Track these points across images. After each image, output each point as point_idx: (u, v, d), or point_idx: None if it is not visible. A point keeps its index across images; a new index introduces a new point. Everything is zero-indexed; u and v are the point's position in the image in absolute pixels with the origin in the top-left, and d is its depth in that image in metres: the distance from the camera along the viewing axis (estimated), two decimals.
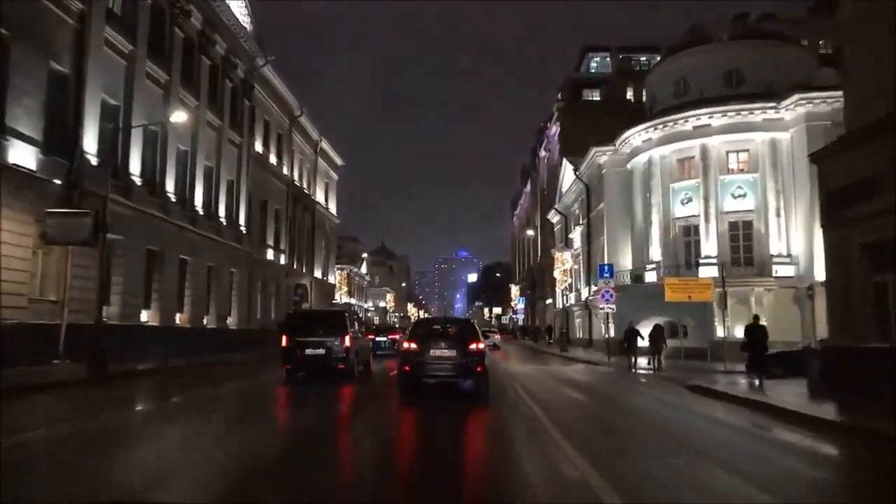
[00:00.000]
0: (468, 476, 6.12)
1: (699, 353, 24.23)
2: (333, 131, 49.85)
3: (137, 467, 6.16)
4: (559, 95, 54.02)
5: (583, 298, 40.55)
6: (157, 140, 23.89)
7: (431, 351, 11.67)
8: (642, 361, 21.35)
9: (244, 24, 31.10)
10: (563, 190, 46.12)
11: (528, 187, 76.46)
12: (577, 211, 43.44)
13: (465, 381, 11.95)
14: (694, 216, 29.01)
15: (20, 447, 6.69)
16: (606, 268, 26.14)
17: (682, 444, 7.60)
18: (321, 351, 15.01)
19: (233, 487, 5.35)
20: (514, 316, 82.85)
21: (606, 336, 30.99)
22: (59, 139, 18.20)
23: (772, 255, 26.90)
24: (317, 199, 47.64)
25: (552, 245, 54.30)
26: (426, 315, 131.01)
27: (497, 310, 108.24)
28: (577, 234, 42.87)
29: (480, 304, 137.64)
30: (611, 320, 28.22)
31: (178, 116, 19.22)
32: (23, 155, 16.43)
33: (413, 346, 11.83)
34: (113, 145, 21.13)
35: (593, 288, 37.33)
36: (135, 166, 21.77)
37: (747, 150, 28.19)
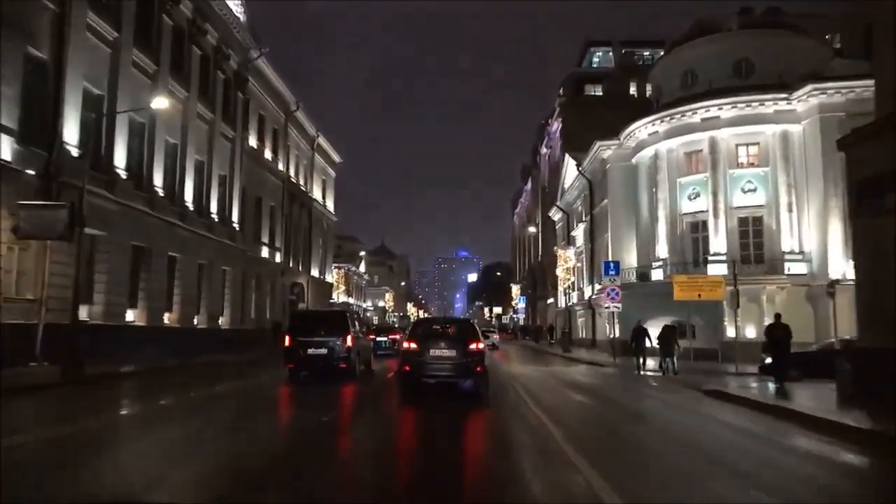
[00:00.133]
0: (469, 492, 5.58)
1: (709, 354, 23.29)
2: (333, 131, 49.48)
3: (81, 487, 5.24)
4: (561, 91, 53.07)
5: (586, 297, 39.58)
6: (145, 132, 22.92)
7: (431, 351, 11.68)
8: (650, 363, 20.38)
9: (237, 15, 30.13)
10: (566, 187, 45.14)
11: (529, 185, 75.52)
12: (579, 208, 42.46)
13: (465, 381, 11.94)
14: (702, 212, 28.03)
15: None
16: (612, 265, 25.16)
17: (714, 463, 6.62)
18: (323, 351, 15.19)
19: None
20: (514, 315, 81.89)
21: (611, 336, 30.02)
22: (37, 129, 17.23)
23: (783, 252, 25.92)
24: (314, 197, 46.68)
25: (553, 243, 53.34)
26: (426, 315, 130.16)
27: (497, 309, 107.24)
28: (579, 232, 41.90)
29: (480, 303, 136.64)
30: (616, 320, 27.23)
31: (160, 103, 18.21)
32: None
33: (413, 346, 11.83)
34: (96, 136, 20.20)
35: (597, 286, 36.37)
36: (120, 159, 20.79)
37: (757, 144, 27.20)
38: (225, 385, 14.88)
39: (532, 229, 59.30)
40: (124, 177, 20.90)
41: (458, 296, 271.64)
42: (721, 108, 26.84)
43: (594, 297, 36.27)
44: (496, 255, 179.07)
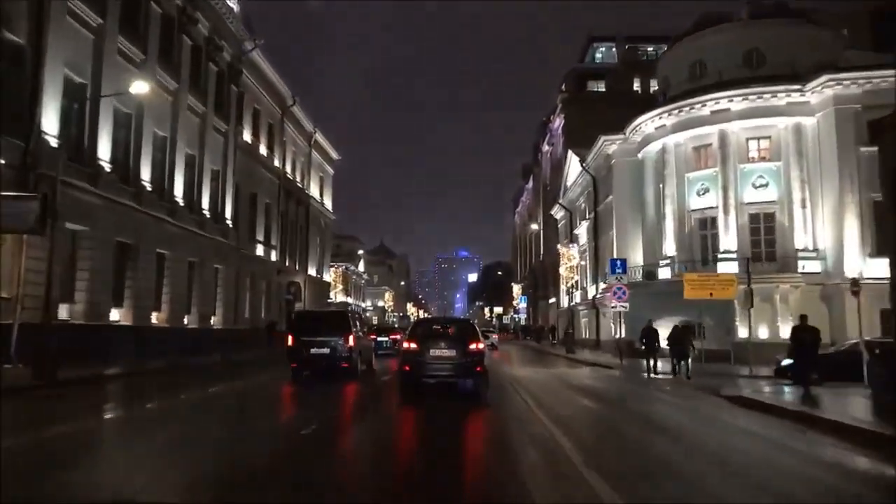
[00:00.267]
0: None
1: (719, 355, 22.29)
2: (333, 130, 48.48)
3: None
4: (563, 86, 52.10)
5: (589, 297, 38.59)
6: (131, 123, 21.96)
7: (431, 351, 11.72)
8: (660, 365, 19.36)
9: (231, 5, 29.14)
10: (568, 184, 44.15)
11: (530, 184, 74.53)
12: (582, 205, 41.47)
13: (465, 381, 11.98)
14: (711, 208, 27.03)
15: None
16: (619, 263, 24.17)
17: (764, 489, 5.60)
18: (326, 350, 15.45)
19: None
20: (515, 315, 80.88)
21: (617, 337, 29.05)
22: (12, 117, 16.26)
23: (797, 250, 24.91)
24: (311, 194, 45.70)
25: (555, 243, 52.36)
26: (426, 315, 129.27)
27: (498, 309, 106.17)
28: (582, 230, 40.90)
29: (481, 303, 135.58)
30: (621, 320, 26.27)
31: (139, 87, 17.19)
32: None
33: (413, 346, 11.89)
34: (78, 126, 19.29)
35: (601, 285, 35.39)
36: (104, 150, 19.82)
37: (769, 137, 26.20)
38: (215, 387, 14.18)
39: (534, 226, 58.31)
40: (108, 169, 19.93)
41: (458, 296, 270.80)
42: (731, 100, 25.83)
43: (598, 296, 35.29)
44: (496, 255, 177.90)
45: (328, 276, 51.90)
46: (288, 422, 9.89)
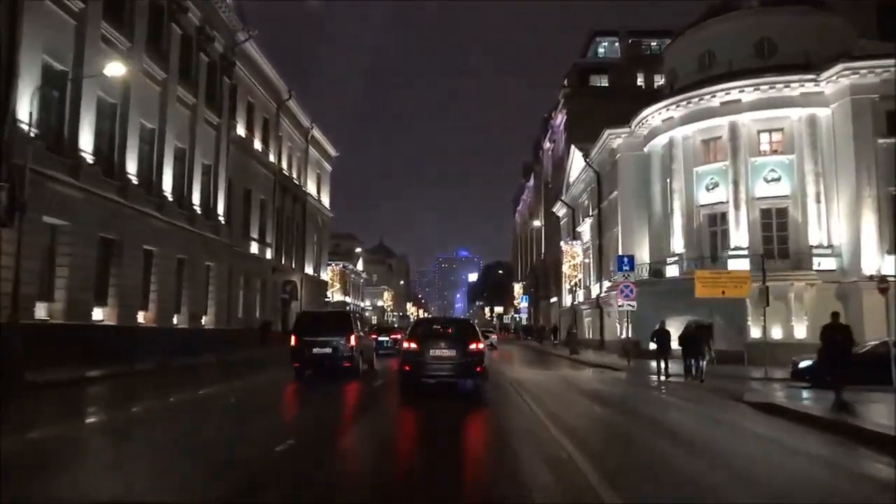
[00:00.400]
0: None
1: (730, 356, 21.32)
2: (333, 130, 47.30)
3: None
4: (565, 81, 51.07)
5: (593, 296, 37.58)
6: (116, 114, 20.98)
7: (431, 351, 11.77)
8: (670, 367, 18.35)
9: None
10: (571, 180, 43.15)
11: (531, 182, 73.53)
12: (586, 202, 40.46)
13: (465, 380, 12.06)
14: (721, 203, 26.01)
15: None
16: (626, 259, 23.20)
17: None
18: (328, 350, 15.70)
19: None
20: (516, 315, 79.85)
21: (622, 337, 28.05)
22: None
23: (811, 246, 23.88)
24: (308, 191, 44.71)
25: (557, 241, 51.37)
26: (426, 315, 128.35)
27: (498, 309, 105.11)
28: (586, 227, 39.90)
29: (481, 303, 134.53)
30: (627, 320, 25.26)
31: (114, 68, 16.17)
32: None
33: (413, 346, 11.95)
34: (58, 116, 18.30)
35: (605, 284, 34.41)
36: (86, 142, 18.82)
37: (781, 129, 25.18)
38: (206, 389, 13.70)
39: (537, 223, 57.25)
40: (91, 161, 18.92)
41: (458, 295, 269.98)
42: (742, 91, 24.80)
43: (603, 295, 34.30)
44: (497, 255, 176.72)
45: (325, 275, 50.89)
46: (285, 422, 9.63)
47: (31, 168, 15.90)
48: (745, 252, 24.47)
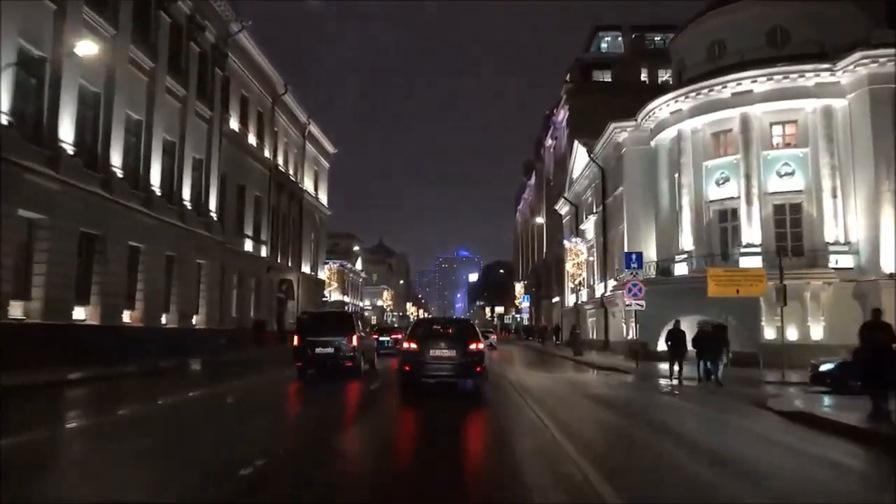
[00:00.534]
0: None
1: (744, 359, 20.33)
2: (333, 131, 46.23)
3: None
4: (567, 77, 50.08)
5: (597, 295, 36.57)
6: (99, 104, 19.99)
7: (431, 351, 11.81)
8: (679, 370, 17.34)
9: None
10: (574, 177, 42.14)
11: (533, 180, 72.52)
12: (589, 199, 39.46)
13: (465, 381, 12.10)
14: (732, 198, 25.00)
15: None
16: (634, 257, 22.18)
17: None
18: (330, 350, 15.93)
19: None
20: (516, 315, 78.80)
21: (629, 337, 27.11)
22: None
23: (827, 243, 22.86)
24: (305, 188, 43.73)
25: (559, 240, 50.38)
26: (426, 315, 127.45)
27: (499, 309, 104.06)
28: (589, 224, 38.89)
29: (482, 303, 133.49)
30: (634, 320, 24.28)
31: (87, 47, 15.16)
32: None
33: (413, 346, 12.00)
34: (36, 105, 17.33)
35: (610, 283, 33.42)
36: (66, 132, 17.83)
37: (795, 121, 24.17)
38: (188, 393, 13.06)
39: (539, 220, 56.17)
40: (71, 152, 17.94)
41: (458, 295, 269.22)
42: (755, 81, 23.77)
43: (608, 294, 33.29)
44: (497, 255, 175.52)
45: (323, 274, 49.89)
46: (284, 423, 9.53)
47: (6, 158, 15.06)
48: (758, 249, 23.48)
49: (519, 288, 74.64)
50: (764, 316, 21.61)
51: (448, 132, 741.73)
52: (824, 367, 15.56)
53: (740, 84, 24.06)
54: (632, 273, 21.70)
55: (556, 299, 52.96)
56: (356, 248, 75.43)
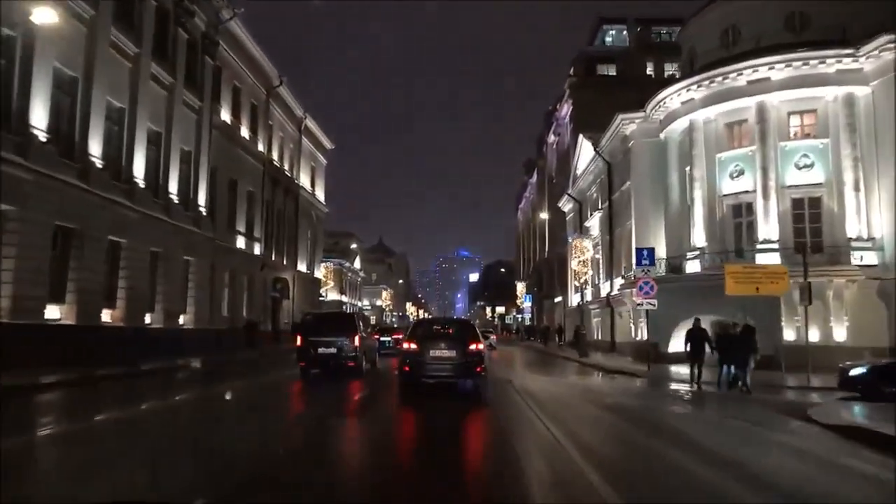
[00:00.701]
0: None
1: (763, 361, 18.91)
2: (333, 130, 45.28)
3: None
4: (571, 71, 48.79)
5: (602, 294, 35.33)
6: (77, 89, 18.75)
7: (431, 351, 11.88)
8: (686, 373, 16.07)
9: None
10: (578, 173, 40.90)
11: (534, 178, 71.24)
12: (594, 195, 38.21)
13: (464, 381, 12.15)
14: (747, 192, 23.73)
15: None
16: (646, 252, 20.94)
17: None
18: (333, 350, 16.23)
19: None
20: (517, 315, 77.50)
21: (640, 338, 25.86)
22: None
23: (849, 239, 21.59)
24: (301, 184, 42.49)
25: (562, 239, 49.11)
26: (426, 315, 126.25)
27: (500, 309, 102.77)
28: (594, 221, 37.63)
29: (482, 303, 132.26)
30: (644, 320, 23.05)
31: (44, 14, 13.86)
32: None
33: (413, 346, 12.09)
34: (6, 88, 16.09)
35: (617, 281, 32.19)
36: (38, 118, 16.61)
37: (814, 111, 22.92)
38: (180, 396, 12.97)
39: (542, 216, 54.79)
40: (44, 139, 16.71)
41: (458, 295, 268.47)
42: (772, 68, 22.48)
43: (614, 293, 32.05)
44: (498, 255, 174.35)
45: (320, 273, 48.64)
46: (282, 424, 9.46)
47: None
48: (775, 245, 22.24)
49: (521, 287, 73.36)
50: (784, 316, 20.34)
51: (448, 132, 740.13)
52: (855, 372, 14.39)
53: (757, 71, 22.79)
54: (643, 270, 20.46)
55: (558, 299, 51.70)
56: (353, 245, 74.08)
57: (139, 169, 21.73)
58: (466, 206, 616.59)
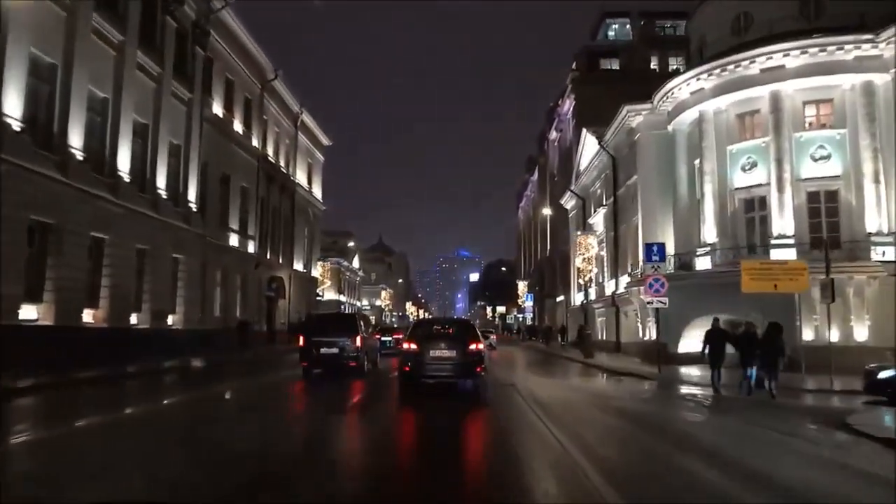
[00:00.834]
0: None
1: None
2: (333, 129, 44.43)
3: None
4: (573, 65, 47.81)
5: (607, 293, 34.33)
6: (56, 77, 17.75)
7: (431, 351, 11.92)
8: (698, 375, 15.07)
9: None
10: (581, 168, 39.91)
11: (535, 176, 70.27)
12: (598, 190, 37.20)
13: (464, 381, 12.24)
14: (760, 185, 22.73)
15: None
16: (655, 248, 19.97)
17: None
18: (335, 350, 16.41)
19: None
20: (519, 315, 76.50)
21: (648, 338, 24.87)
22: None
23: (868, 234, 20.59)
24: (297, 181, 41.49)
25: (564, 237, 48.13)
26: (426, 315, 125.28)
27: (501, 309, 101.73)
28: (598, 218, 36.63)
29: (483, 303, 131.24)
30: (653, 319, 22.07)
31: None
32: None
33: (413, 346, 12.12)
34: None
35: (622, 279, 31.19)
36: (12, 106, 15.63)
37: (830, 100, 21.92)
38: (168, 399, 12.51)
39: (545, 212, 53.72)
40: (18, 129, 15.72)
41: (459, 295, 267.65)
42: (787, 55, 21.47)
43: (620, 291, 31.06)
44: (498, 255, 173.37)
45: (317, 272, 47.65)
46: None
47: None
48: (791, 241, 21.24)
49: (522, 286, 72.35)
50: (801, 314, 19.33)
51: (448, 132, 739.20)
52: (884, 375, 13.41)
53: (770, 59, 21.79)
54: (653, 267, 19.47)
55: (560, 298, 50.71)
56: (351, 244, 73.04)
57: (124, 162, 20.74)
58: (466, 205, 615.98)
